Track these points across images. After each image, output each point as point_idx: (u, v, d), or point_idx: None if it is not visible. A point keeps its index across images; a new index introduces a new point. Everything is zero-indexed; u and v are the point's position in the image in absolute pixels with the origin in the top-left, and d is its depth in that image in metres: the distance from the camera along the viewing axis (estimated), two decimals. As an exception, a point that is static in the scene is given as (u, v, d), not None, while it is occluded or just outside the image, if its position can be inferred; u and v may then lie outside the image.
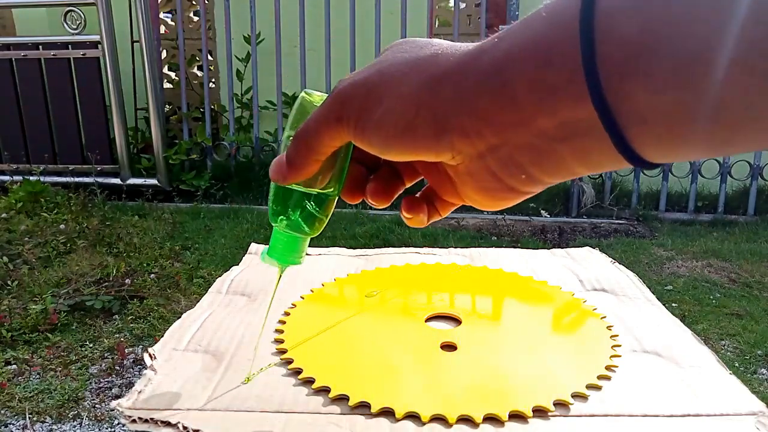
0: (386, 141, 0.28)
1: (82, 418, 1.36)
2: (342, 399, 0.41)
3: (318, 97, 0.35)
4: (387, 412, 0.40)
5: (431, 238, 2.47)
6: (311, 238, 0.39)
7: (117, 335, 1.70)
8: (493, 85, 0.24)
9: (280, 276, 0.43)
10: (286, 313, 0.54)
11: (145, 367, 0.45)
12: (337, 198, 0.36)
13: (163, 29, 3.48)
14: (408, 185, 0.35)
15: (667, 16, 0.20)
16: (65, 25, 2.90)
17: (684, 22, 0.20)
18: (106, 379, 1.51)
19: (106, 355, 1.61)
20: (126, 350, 1.61)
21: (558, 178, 0.27)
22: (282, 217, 0.37)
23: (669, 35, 0.20)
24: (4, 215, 2.48)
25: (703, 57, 0.19)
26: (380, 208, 0.35)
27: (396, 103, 0.27)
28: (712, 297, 2.00)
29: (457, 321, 0.53)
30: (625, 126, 0.22)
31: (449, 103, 0.26)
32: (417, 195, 0.34)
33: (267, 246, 0.40)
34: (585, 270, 0.65)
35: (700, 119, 0.20)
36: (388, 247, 0.74)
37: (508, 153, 0.26)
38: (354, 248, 0.71)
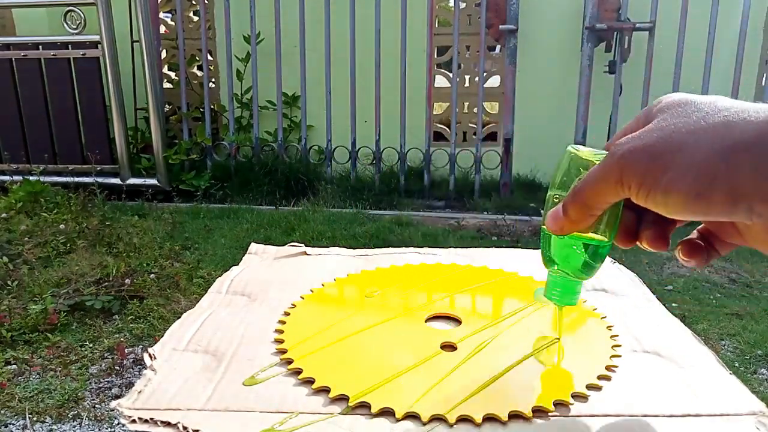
0: (675, 206, 0.29)
1: (82, 418, 1.36)
2: (342, 399, 0.41)
3: (586, 152, 0.36)
4: (387, 412, 0.40)
5: (431, 238, 2.47)
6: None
7: (117, 335, 1.70)
8: None
9: (557, 315, 0.45)
10: (286, 313, 0.54)
11: (145, 367, 0.45)
12: (611, 244, 0.38)
13: (163, 29, 3.48)
14: (680, 225, 0.36)
15: None
16: (65, 25, 2.90)
17: None
18: (106, 379, 1.51)
19: (106, 355, 1.61)
20: (126, 350, 1.61)
21: None
22: (557, 263, 0.40)
23: None
24: (4, 215, 2.48)
25: None
26: (659, 250, 0.36)
27: (687, 171, 0.28)
28: (712, 297, 2.00)
29: (457, 321, 0.53)
30: None
31: (747, 174, 0.26)
32: (694, 236, 0.35)
33: (541, 287, 0.43)
34: (585, 270, 0.65)
35: None
36: (388, 247, 0.74)
37: None
38: (354, 248, 0.71)
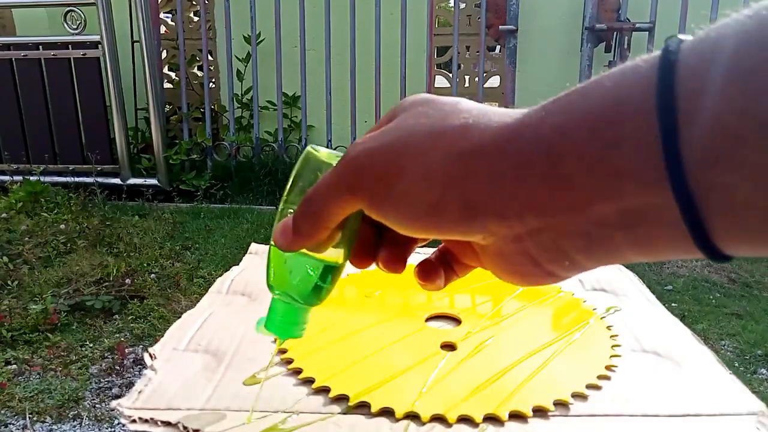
0: (407, 220, 0.26)
1: (82, 418, 1.36)
2: (342, 399, 0.41)
3: (325, 154, 0.32)
4: (387, 412, 0.40)
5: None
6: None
7: (117, 335, 1.70)
8: (539, 167, 0.22)
9: (278, 349, 0.42)
10: (286, 313, 0.54)
11: (145, 367, 0.45)
12: (345, 265, 0.34)
13: (163, 29, 3.48)
14: (421, 244, 0.32)
15: (756, 103, 0.17)
16: (65, 25, 2.90)
17: None
18: (106, 379, 1.51)
19: (106, 355, 1.61)
20: (126, 350, 1.61)
21: (607, 264, 0.24)
22: (282, 285, 0.34)
23: (762, 124, 0.17)
24: (4, 215, 2.48)
25: None
26: (394, 272, 0.31)
27: (419, 180, 0.24)
28: (712, 297, 2.00)
29: (457, 321, 0.53)
30: (707, 218, 0.19)
31: (483, 184, 0.23)
32: (431, 257, 0.32)
33: (264, 317, 0.36)
34: (585, 270, 0.65)
35: None
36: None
37: (551, 238, 0.23)
38: (354, 248, 0.71)
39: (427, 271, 0.31)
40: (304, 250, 0.31)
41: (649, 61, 0.20)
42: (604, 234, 0.22)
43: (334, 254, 0.32)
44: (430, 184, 0.24)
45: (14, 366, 1.54)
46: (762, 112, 0.17)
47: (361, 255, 0.32)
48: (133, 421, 0.38)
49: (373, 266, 0.32)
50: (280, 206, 0.32)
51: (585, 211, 0.21)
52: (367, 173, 0.26)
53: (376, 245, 0.31)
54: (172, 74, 3.55)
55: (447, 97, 0.27)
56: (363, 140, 0.27)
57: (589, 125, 0.21)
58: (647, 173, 0.19)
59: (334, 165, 0.28)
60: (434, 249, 0.32)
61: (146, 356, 0.46)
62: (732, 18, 0.19)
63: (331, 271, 0.33)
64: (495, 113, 0.24)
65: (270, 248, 0.33)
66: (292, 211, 0.30)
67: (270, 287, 0.34)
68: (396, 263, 0.31)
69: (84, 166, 2.99)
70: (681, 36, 0.20)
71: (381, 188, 0.25)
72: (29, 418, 1.35)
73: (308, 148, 0.33)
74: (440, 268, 0.31)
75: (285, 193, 0.32)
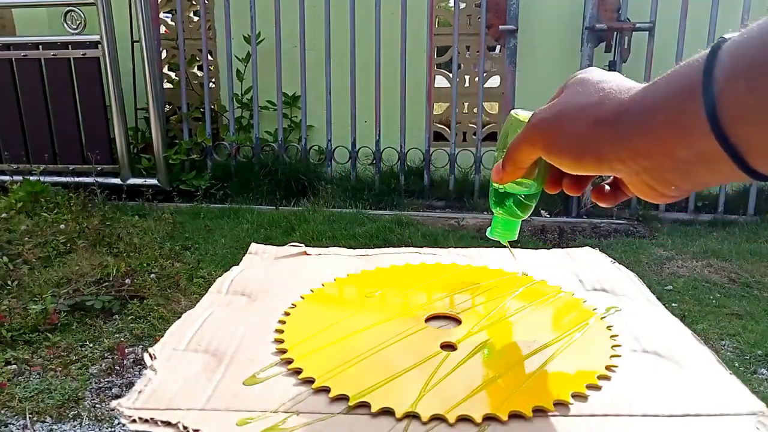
0: (564, 164, 0.38)
1: (82, 418, 1.36)
2: (342, 399, 0.41)
3: (523, 116, 0.45)
4: (387, 412, 0.40)
5: (431, 238, 2.48)
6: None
7: (117, 335, 1.70)
8: (643, 128, 0.33)
9: (510, 249, 0.57)
10: (286, 313, 0.54)
11: (145, 367, 0.45)
12: (540, 190, 0.47)
13: (163, 29, 3.48)
14: (593, 179, 0.44)
15: (763, 84, 0.27)
16: (65, 25, 2.90)
17: None
18: (106, 379, 1.51)
19: (106, 355, 1.61)
20: (126, 350, 1.61)
21: (701, 187, 0.35)
22: (500, 206, 0.49)
23: (765, 98, 0.27)
24: (4, 215, 2.48)
25: None
26: (576, 195, 0.45)
27: (569, 139, 0.37)
28: (712, 297, 2.00)
29: (457, 321, 0.53)
30: (746, 154, 0.29)
31: (610, 141, 0.34)
32: (606, 183, 0.44)
33: (489, 226, 0.52)
34: (585, 270, 0.65)
35: None
36: (388, 247, 0.74)
37: (658, 172, 0.34)
38: (354, 248, 0.71)
39: (598, 192, 0.44)
40: (513, 183, 0.46)
41: (703, 57, 0.30)
42: (689, 169, 0.32)
43: (532, 183, 0.47)
44: (576, 143, 0.36)
45: (14, 366, 1.54)
46: (758, 93, 0.28)
47: (550, 183, 0.45)
48: (133, 421, 0.38)
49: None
50: (496, 155, 0.46)
51: (673, 155, 0.32)
52: (541, 133, 0.39)
53: (562, 177, 0.44)
54: (172, 74, 3.55)
55: (598, 75, 0.38)
56: (541, 110, 0.39)
57: (667, 101, 0.32)
58: (701, 131, 0.30)
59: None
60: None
61: (146, 356, 0.46)
62: (757, 23, 0.29)
63: (531, 194, 0.48)
64: (622, 89, 0.35)
65: (490, 183, 0.49)
66: (502, 157, 0.44)
67: (492, 207, 0.50)
68: (575, 188, 0.44)
69: (84, 166, 2.99)
70: (726, 35, 0.30)
71: (548, 144, 0.38)
72: (29, 418, 1.35)
73: (512, 112, 0.46)
74: (609, 191, 0.43)
75: (497, 146, 0.47)
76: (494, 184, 0.48)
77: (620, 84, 0.36)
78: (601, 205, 0.44)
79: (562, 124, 0.37)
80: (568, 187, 0.44)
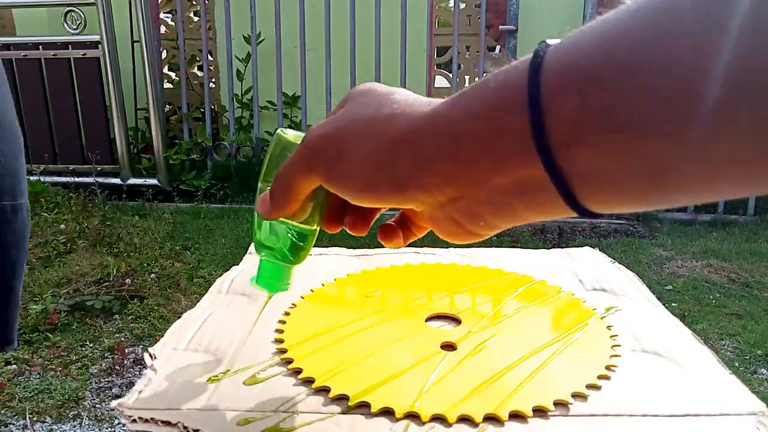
0: (352, 193, 0.31)
1: (82, 418, 1.36)
2: (342, 399, 0.41)
3: (292, 135, 0.37)
4: (387, 412, 0.40)
5: (431, 238, 2.47)
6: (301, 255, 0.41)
7: (117, 335, 1.71)
8: (450, 150, 0.27)
9: (267, 301, 0.45)
10: (286, 313, 0.54)
11: (145, 367, 0.45)
12: (318, 230, 0.39)
13: (163, 29, 3.48)
14: (383, 211, 0.36)
15: (599, 100, 0.22)
16: (65, 25, 2.90)
17: (615, 104, 0.22)
18: (106, 379, 1.51)
19: (106, 355, 1.61)
20: (126, 350, 1.61)
21: (513, 224, 0.30)
22: (267, 248, 0.40)
23: (603, 116, 0.22)
24: (4, 215, 2.47)
25: (633, 131, 0.22)
26: (360, 235, 0.38)
27: (357, 161, 0.30)
28: (712, 297, 2.00)
29: (457, 321, 0.53)
30: (572, 185, 0.24)
31: (409, 164, 0.28)
32: (392, 221, 0.37)
33: (255, 273, 0.42)
34: (585, 270, 0.65)
35: (635, 181, 0.23)
36: (388, 247, 0.74)
37: (466, 204, 0.29)
38: (354, 248, 0.71)
39: (386, 233, 0.37)
40: (282, 219, 0.37)
41: (523, 64, 0.25)
42: (504, 200, 0.27)
43: (308, 221, 0.38)
44: (367, 165, 0.29)
45: (14, 366, 1.54)
46: (594, 111, 0.22)
47: (330, 220, 0.38)
48: (133, 421, 0.38)
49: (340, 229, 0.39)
50: (259, 185, 0.37)
51: (487, 182, 0.27)
52: (319, 154, 0.31)
53: (343, 212, 0.38)
54: (172, 74, 3.55)
55: (385, 87, 0.32)
56: (319, 125, 0.32)
57: (481, 118, 0.26)
58: (525, 155, 0.24)
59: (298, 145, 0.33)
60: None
61: (146, 356, 0.46)
62: (587, 25, 0.24)
63: (306, 235, 0.39)
64: (420, 103, 0.30)
65: (255, 216, 0.38)
66: (269, 186, 0.36)
67: (257, 249, 0.40)
68: (359, 227, 0.37)
69: (84, 166, 2.99)
70: (549, 40, 0.25)
71: (331, 167, 0.31)
72: (29, 418, 1.35)
73: (278, 131, 0.38)
74: (399, 230, 0.37)
75: (262, 172, 0.37)
76: (258, 221, 0.39)
77: (414, 96, 0.31)
78: (389, 246, 0.37)
79: (346, 142, 0.30)
80: (350, 225, 0.37)
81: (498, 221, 0.29)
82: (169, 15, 3.59)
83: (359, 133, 0.30)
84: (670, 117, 0.21)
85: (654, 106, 0.21)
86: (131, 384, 1.42)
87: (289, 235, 0.39)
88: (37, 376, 1.50)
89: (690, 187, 0.22)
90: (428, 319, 0.53)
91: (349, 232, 0.37)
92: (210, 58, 3.46)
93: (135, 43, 3.11)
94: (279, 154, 0.37)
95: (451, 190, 0.28)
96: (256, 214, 0.38)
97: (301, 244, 0.39)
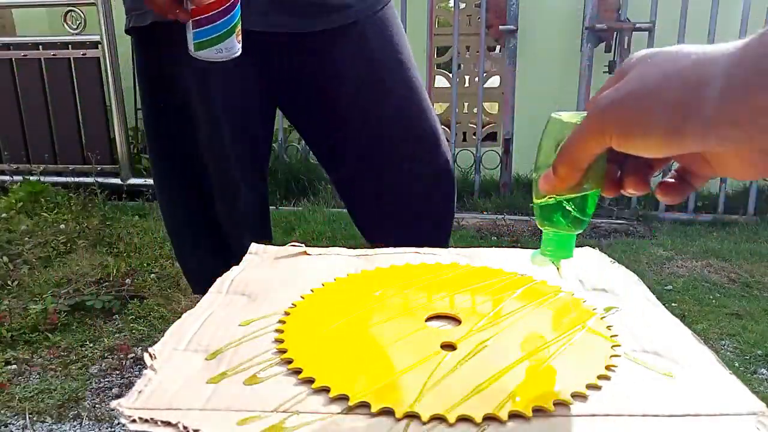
0: (654, 144, 0.32)
1: (82, 418, 1.36)
2: (342, 399, 0.41)
3: (567, 116, 0.40)
4: (387, 412, 0.40)
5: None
6: None
7: (117, 335, 1.71)
8: (764, 81, 0.28)
9: (559, 269, 0.49)
10: (286, 313, 0.54)
11: (145, 367, 0.45)
12: (598, 195, 0.42)
13: (163, 29, 3.48)
14: (657, 171, 0.40)
15: None
16: (65, 25, 2.90)
17: None
18: (106, 379, 1.51)
19: (106, 355, 1.61)
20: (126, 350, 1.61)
21: None
22: (549, 222, 0.44)
23: None
24: (4, 215, 2.48)
25: None
26: (640, 194, 0.40)
27: (663, 110, 0.31)
28: (711, 297, 2.00)
29: (457, 321, 0.53)
30: None
31: (718, 103, 0.29)
32: (670, 177, 0.39)
33: (534, 249, 0.47)
34: (585, 270, 0.65)
35: None
36: (388, 247, 0.74)
37: None
38: (354, 248, 0.71)
39: (666, 188, 0.39)
40: (565, 193, 0.40)
41: None
42: None
43: (589, 189, 0.41)
44: (673, 114, 0.31)
45: (14, 366, 1.54)
46: None
47: (609, 185, 0.40)
48: (133, 421, 0.38)
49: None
50: (534, 176, 0.42)
51: None
52: (613, 118, 0.33)
53: (620, 177, 0.40)
54: (172, 74, 3.55)
55: (668, 47, 0.33)
56: (603, 95, 0.34)
57: None
58: None
59: (579, 121, 0.36)
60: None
61: (146, 356, 0.46)
62: None
63: (588, 204, 0.42)
64: (716, 49, 0.31)
65: (535, 194, 0.43)
66: (541, 174, 0.40)
67: (540, 225, 0.45)
68: (641, 185, 0.39)
69: (84, 166, 2.99)
70: None
71: (628, 126, 0.33)
72: (29, 418, 1.35)
73: (552, 115, 0.41)
74: (676, 184, 0.39)
75: (537, 158, 0.41)
76: (539, 199, 0.43)
77: (706, 46, 0.32)
78: (669, 201, 0.40)
79: (645, 99, 0.32)
80: (633, 185, 0.39)
81: None
82: (169, 15, 3.59)
83: (658, 87, 0.31)
84: None
85: None
86: (131, 384, 1.42)
87: (571, 205, 0.42)
88: (37, 376, 1.50)
89: None
90: (428, 319, 0.53)
91: (631, 193, 0.40)
92: (210, 58, 3.45)
93: (135, 43, 3.11)
94: (553, 136, 0.40)
95: (764, 119, 0.28)
96: (535, 190, 0.42)
97: (584, 212, 0.42)
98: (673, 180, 0.39)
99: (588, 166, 0.37)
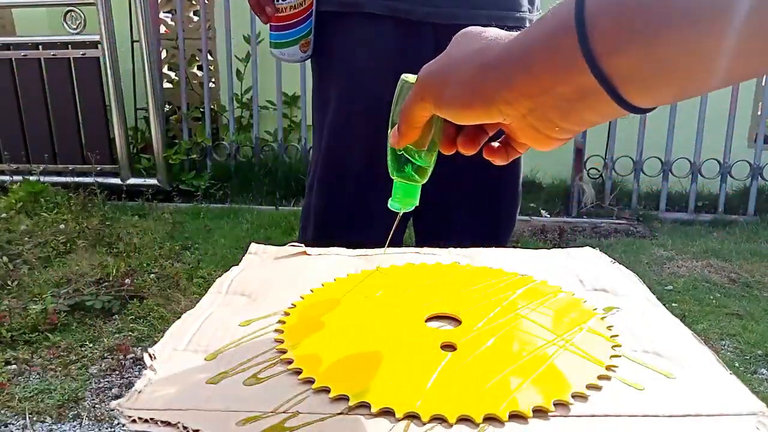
0: (455, 113, 0.39)
1: (82, 418, 1.36)
2: (342, 399, 0.41)
3: (412, 78, 0.45)
4: (387, 412, 0.40)
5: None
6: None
7: (117, 335, 1.70)
8: (523, 67, 0.34)
9: (398, 219, 0.56)
10: (286, 313, 0.54)
11: (145, 367, 0.45)
12: (436, 151, 0.48)
13: (163, 29, 3.48)
14: (490, 134, 0.46)
15: (630, 17, 0.29)
16: (65, 25, 2.90)
17: (639, 20, 0.29)
18: (106, 379, 1.51)
19: (106, 355, 1.61)
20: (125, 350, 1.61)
21: (582, 127, 0.36)
22: (399, 173, 0.51)
23: (633, 27, 0.29)
24: (4, 215, 2.48)
25: (655, 36, 0.28)
26: (470, 154, 0.46)
27: (457, 86, 0.38)
28: (712, 297, 2.00)
29: (457, 321, 0.53)
30: (620, 87, 0.31)
31: (494, 83, 0.35)
32: (497, 142, 0.45)
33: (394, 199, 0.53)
34: (585, 270, 0.65)
35: (661, 77, 0.30)
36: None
37: (541, 113, 0.35)
38: (354, 248, 0.71)
39: (491, 150, 0.45)
40: (409, 146, 0.47)
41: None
42: (570, 106, 0.33)
43: (428, 145, 0.48)
44: (463, 89, 0.37)
45: (14, 366, 1.54)
46: (626, 22, 0.29)
47: (446, 143, 0.46)
48: (133, 421, 0.38)
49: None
50: (389, 125, 0.48)
51: (553, 92, 0.33)
52: (429, 86, 0.40)
53: (455, 137, 0.46)
54: (172, 74, 3.55)
55: (478, 29, 0.39)
56: (428, 64, 0.41)
57: (543, 40, 0.33)
58: (577, 64, 0.31)
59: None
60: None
61: (146, 356, 0.46)
62: None
63: (428, 155, 0.49)
64: (505, 35, 0.37)
65: (388, 147, 0.50)
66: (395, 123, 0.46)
67: (391, 174, 0.51)
68: (469, 146, 0.45)
69: (84, 166, 2.99)
70: None
71: (438, 95, 0.39)
72: (29, 418, 1.35)
73: (402, 76, 0.47)
74: (501, 147, 0.45)
75: (392, 113, 0.48)
76: (392, 150, 0.49)
77: (502, 33, 0.37)
78: (495, 161, 0.45)
79: (448, 73, 0.38)
80: (463, 145, 0.45)
81: (568, 123, 0.35)
82: (169, 15, 3.59)
83: (457, 64, 0.38)
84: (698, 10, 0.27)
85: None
86: (131, 384, 1.42)
87: (415, 157, 0.49)
88: (37, 376, 1.50)
89: (719, 73, 0.28)
90: (428, 319, 0.53)
91: (462, 151, 0.45)
92: (210, 57, 3.45)
93: (135, 43, 3.11)
94: (403, 94, 0.46)
95: (526, 101, 0.34)
96: (388, 146, 0.49)
97: (424, 164, 0.50)
98: (498, 144, 0.45)
99: (425, 126, 0.43)
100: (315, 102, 1.12)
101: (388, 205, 0.53)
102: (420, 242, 1.08)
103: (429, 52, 0.96)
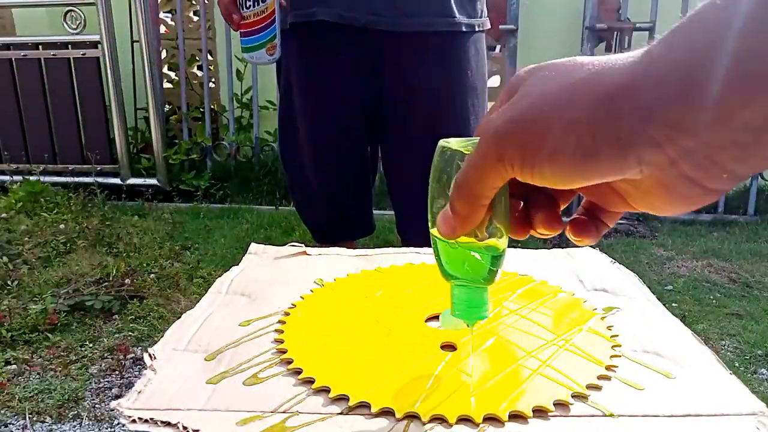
0: (563, 173, 0.27)
1: (82, 418, 1.36)
2: (342, 399, 0.41)
3: (456, 143, 0.33)
4: (387, 412, 0.40)
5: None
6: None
7: (117, 335, 1.70)
8: (681, 91, 0.23)
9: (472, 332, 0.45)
10: (286, 313, 0.54)
11: (145, 367, 0.45)
12: (507, 242, 0.35)
13: (163, 29, 3.48)
14: (564, 206, 0.35)
15: None
16: (65, 25, 2.90)
17: None
18: (106, 379, 1.51)
19: (106, 355, 1.61)
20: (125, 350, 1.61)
21: (758, 169, 0.25)
22: (457, 275, 0.37)
23: None
24: (4, 215, 2.48)
25: None
26: (554, 235, 0.34)
27: (567, 131, 0.26)
28: (712, 297, 2.00)
29: (457, 321, 0.53)
30: None
31: (631, 118, 0.24)
32: (580, 215, 0.34)
33: (449, 310, 0.39)
34: (585, 270, 0.65)
35: None
36: (388, 247, 0.74)
37: (706, 155, 0.24)
38: (354, 248, 0.71)
39: (580, 227, 0.33)
40: (468, 239, 0.33)
41: None
42: (754, 138, 0.23)
43: (495, 232, 0.34)
44: (580, 133, 0.25)
45: (14, 366, 1.54)
46: None
47: (517, 226, 0.34)
48: (133, 421, 0.38)
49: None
50: (429, 216, 0.35)
51: (732, 121, 0.22)
52: (511, 142, 0.28)
53: (527, 214, 0.34)
54: (172, 74, 3.55)
55: (558, 60, 0.29)
56: (494, 117, 0.29)
57: (721, 39, 0.22)
58: None
59: (471, 149, 0.30)
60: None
61: (146, 356, 0.46)
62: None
63: (496, 252, 0.35)
64: (615, 59, 0.26)
65: (437, 242, 0.35)
66: (441, 206, 0.33)
67: (446, 278, 0.37)
68: (554, 223, 0.33)
69: (84, 166, 2.99)
70: None
71: (530, 150, 0.27)
72: (29, 418, 1.35)
73: (440, 142, 0.34)
74: (590, 222, 0.33)
75: (430, 196, 0.34)
76: (444, 245, 0.35)
77: (601, 57, 0.28)
78: (584, 242, 0.34)
79: (543, 119, 0.27)
80: (544, 223, 0.33)
81: (744, 167, 0.24)
82: (169, 15, 3.59)
83: (557, 103, 0.26)
84: None
85: None
86: (131, 384, 1.42)
87: (480, 256, 0.35)
88: (37, 376, 1.50)
89: None
90: (428, 320, 0.53)
91: (542, 233, 0.34)
92: (210, 57, 3.45)
93: (135, 43, 3.11)
94: (446, 166, 0.33)
95: (685, 139, 0.23)
96: (436, 241, 0.35)
97: (495, 265, 0.35)
98: (585, 217, 0.34)
99: (490, 203, 0.31)
100: (278, 83, 1.23)
101: (444, 317, 0.42)
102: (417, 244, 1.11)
103: (379, 60, 1.08)
